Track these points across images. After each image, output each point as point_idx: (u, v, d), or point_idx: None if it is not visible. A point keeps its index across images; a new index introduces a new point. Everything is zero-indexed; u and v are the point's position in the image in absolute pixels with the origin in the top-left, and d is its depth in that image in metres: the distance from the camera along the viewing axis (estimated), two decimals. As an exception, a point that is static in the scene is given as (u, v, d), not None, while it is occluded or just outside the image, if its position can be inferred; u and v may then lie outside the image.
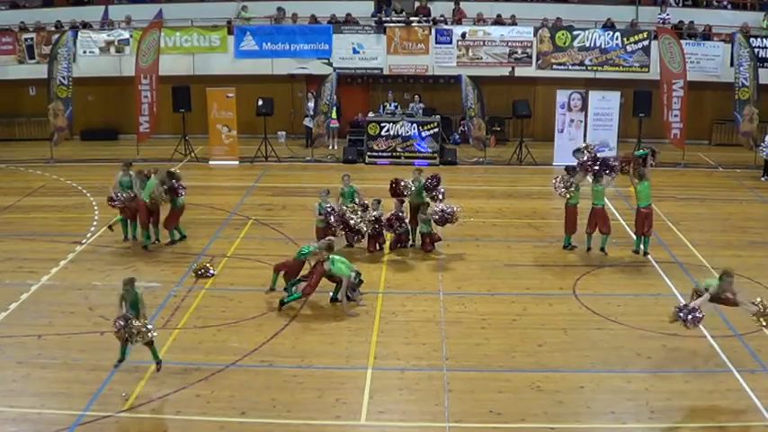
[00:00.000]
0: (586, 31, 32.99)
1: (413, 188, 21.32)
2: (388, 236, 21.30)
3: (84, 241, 21.86)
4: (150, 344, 14.55)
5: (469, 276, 19.73)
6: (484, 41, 33.45)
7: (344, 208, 20.64)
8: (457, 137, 33.86)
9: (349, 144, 32.14)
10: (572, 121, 30.88)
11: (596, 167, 20.74)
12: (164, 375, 14.72)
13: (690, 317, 14.79)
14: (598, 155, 21.31)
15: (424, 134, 30.67)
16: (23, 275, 19.49)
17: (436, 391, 14.40)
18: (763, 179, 28.92)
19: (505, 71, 33.72)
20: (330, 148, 32.57)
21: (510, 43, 33.44)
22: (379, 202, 21.16)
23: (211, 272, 19.59)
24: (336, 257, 17.80)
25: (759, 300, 15.11)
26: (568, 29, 33.18)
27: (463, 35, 33.32)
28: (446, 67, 33.63)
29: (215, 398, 14.11)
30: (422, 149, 30.69)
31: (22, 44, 33.47)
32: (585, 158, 20.97)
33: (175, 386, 14.41)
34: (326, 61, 33.73)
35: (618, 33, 32.97)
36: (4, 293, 18.36)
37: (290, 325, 16.98)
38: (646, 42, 32.76)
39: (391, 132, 30.71)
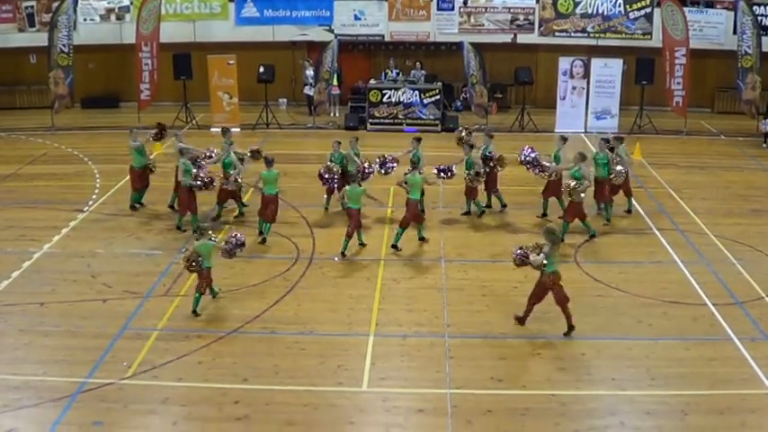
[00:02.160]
0: (589, -2, 32.89)
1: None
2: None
3: (85, 209, 21.87)
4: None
5: (471, 243, 19.74)
6: (486, 8, 33.29)
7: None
8: (459, 104, 33.80)
9: (350, 111, 32.09)
10: (574, 88, 30.81)
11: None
12: (165, 342, 14.81)
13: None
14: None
15: (425, 101, 30.62)
16: (25, 243, 19.52)
17: (437, 357, 14.45)
18: (765, 146, 28.88)
19: (507, 38, 33.57)
20: (331, 115, 32.55)
21: (512, 10, 33.29)
22: (356, 139, 21.97)
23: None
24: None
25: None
26: (571, -5, 33.07)
27: (465, 2, 33.15)
28: (448, 34, 33.52)
29: (217, 365, 14.17)
30: (423, 116, 30.65)
31: (23, 12, 33.32)
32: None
33: (177, 353, 14.46)
34: (328, 28, 33.59)
35: (620, 0, 32.79)
36: (6, 261, 18.40)
37: (291, 292, 17.02)
38: (648, 9, 32.56)
39: (393, 99, 30.67)
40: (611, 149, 20.96)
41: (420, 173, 19.66)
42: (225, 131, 22.41)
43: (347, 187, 19.32)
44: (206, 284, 16.17)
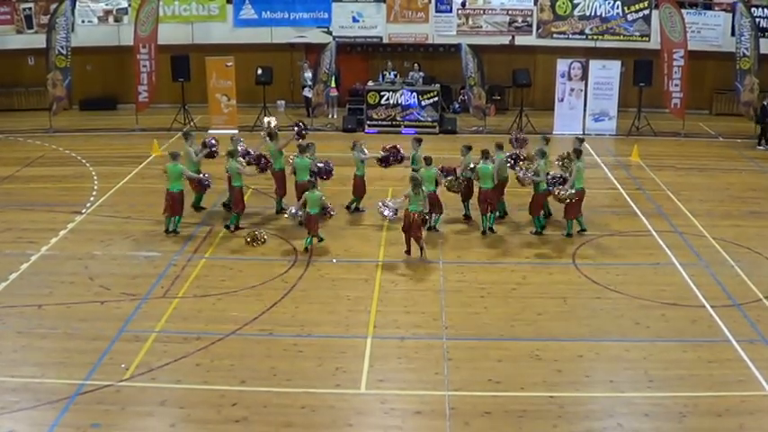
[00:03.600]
0: (587, 0, 32.84)
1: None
2: None
3: (83, 211, 21.85)
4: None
5: (469, 245, 19.74)
6: (484, 10, 33.33)
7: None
8: (457, 106, 33.80)
9: (348, 113, 32.09)
10: (572, 90, 30.84)
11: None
12: (163, 344, 14.80)
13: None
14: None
15: (423, 103, 30.62)
16: (23, 245, 19.49)
17: (436, 359, 14.44)
18: (759, 148, 28.89)
19: (505, 40, 33.62)
20: (330, 117, 32.52)
21: (510, 12, 33.35)
22: (358, 143, 22.03)
23: (265, 238, 19.59)
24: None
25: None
26: (569, -3, 33.10)
27: (463, 3, 33.19)
28: (446, 36, 33.54)
29: (215, 367, 14.15)
30: (421, 118, 30.65)
31: (21, 14, 33.33)
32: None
33: (175, 355, 14.45)
34: (326, 30, 33.63)
35: (618, 2, 32.80)
36: (4, 263, 18.36)
37: (289, 294, 17.01)
38: (646, 11, 32.62)
39: (391, 101, 30.67)
40: (578, 154, 20.17)
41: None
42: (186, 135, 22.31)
43: (422, 170, 19.93)
44: (315, 228, 19.07)
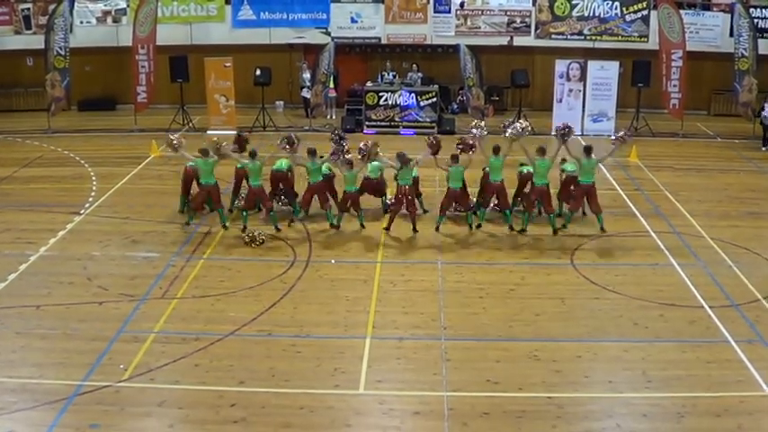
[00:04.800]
0: (585, 1, 32.87)
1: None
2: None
3: (82, 212, 21.84)
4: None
5: (467, 246, 19.74)
6: (482, 11, 33.35)
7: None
8: (455, 106, 33.81)
9: (347, 113, 32.09)
10: (570, 90, 30.84)
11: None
12: (162, 345, 14.79)
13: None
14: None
15: (422, 104, 30.64)
16: (22, 246, 19.47)
17: (434, 360, 14.43)
18: (763, 149, 28.90)
19: (504, 40, 33.63)
20: (328, 117, 32.54)
21: (509, 12, 33.37)
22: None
23: (263, 238, 19.67)
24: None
25: None
26: (567, -2, 33.12)
27: (462, 4, 33.21)
28: (444, 37, 33.57)
29: (214, 367, 14.14)
30: (420, 119, 30.67)
31: (19, 14, 33.33)
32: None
33: (174, 356, 14.44)
34: (324, 31, 33.64)
35: (617, 3, 32.82)
36: (2, 264, 18.34)
37: (288, 294, 17.00)
38: (645, 12, 32.64)
39: (389, 102, 30.68)
40: (586, 151, 20.56)
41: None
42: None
43: (451, 168, 20.35)
44: (357, 205, 20.71)
